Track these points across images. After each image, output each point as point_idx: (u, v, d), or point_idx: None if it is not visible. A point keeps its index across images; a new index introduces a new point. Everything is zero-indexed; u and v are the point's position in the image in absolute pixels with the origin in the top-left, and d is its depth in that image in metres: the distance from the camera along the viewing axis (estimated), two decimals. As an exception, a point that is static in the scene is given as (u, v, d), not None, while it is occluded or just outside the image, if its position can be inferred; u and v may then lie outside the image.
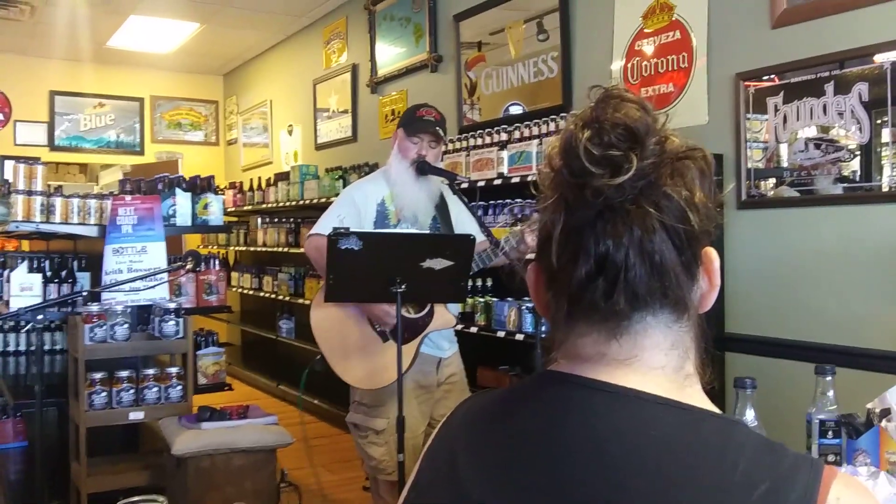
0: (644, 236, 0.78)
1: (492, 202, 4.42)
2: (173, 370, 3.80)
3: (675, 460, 0.73)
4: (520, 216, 3.96)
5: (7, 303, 4.29)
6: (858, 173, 3.11)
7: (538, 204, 0.87)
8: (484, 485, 0.81)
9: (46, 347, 4.90)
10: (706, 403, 0.82)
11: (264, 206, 7.70)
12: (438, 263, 2.69)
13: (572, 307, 0.83)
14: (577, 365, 0.84)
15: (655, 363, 0.81)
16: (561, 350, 0.86)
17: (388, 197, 3.13)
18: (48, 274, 4.33)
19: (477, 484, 0.81)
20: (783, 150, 3.34)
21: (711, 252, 0.84)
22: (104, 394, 3.65)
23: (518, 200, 4.20)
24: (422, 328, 3.03)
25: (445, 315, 3.09)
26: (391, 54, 6.48)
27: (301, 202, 6.91)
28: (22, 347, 5.33)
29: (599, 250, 0.78)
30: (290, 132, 8.42)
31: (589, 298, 0.80)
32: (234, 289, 8.13)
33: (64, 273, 4.38)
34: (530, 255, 3.51)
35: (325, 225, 2.95)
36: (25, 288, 4.17)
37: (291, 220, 7.21)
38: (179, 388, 3.79)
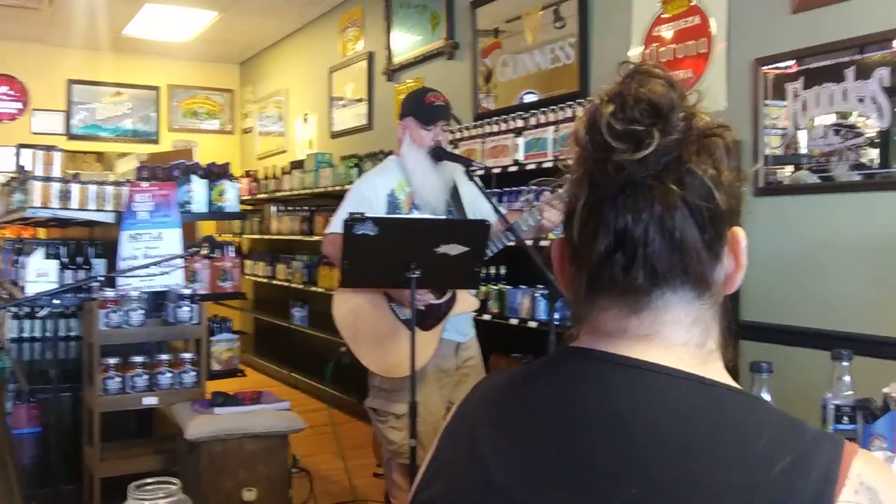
0: (665, 213, 0.77)
1: (507, 189, 4.40)
2: (187, 356, 3.81)
3: (697, 434, 0.73)
4: (534, 201, 3.94)
5: (23, 288, 4.31)
6: (877, 160, 3.07)
7: (563, 179, 0.87)
8: (504, 460, 0.80)
9: (61, 334, 4.92)
10: (728, 380, 0.81)
11: (279, 194, 7.71)
12: (453, 249, 2.68)
13: (592, 281, 0.83)
14: (598, 340, 0.83)
15: (677, 339, 0.81)
16: (583, 326, 0.86)
17: (397, 186, 3.13)
18: (64, 260, 4.34)
19: (497, 459, 0.81)
20: (802, 136, 3.30)
21: (739, 232, 0.83)
22: (118, 379, 3.66)
23: (533, 187, 4.17)
24: (446, 312, 3.04)
25: (469, 298, 3.10)
26: (407, 42, 6.46)
27: (316, 190, 6.92)
28: (37, 333, 5.36)
29: (619, 225, 0.79)
30: (305, 120, 8.43)
31: (608, 273, 0.81)
32: (247, 277, 8.15)
33: (80, 260, 4.40)
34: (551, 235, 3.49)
35: (338, 223, 2.95)
36: (42, 274, 4.19)
37: (306, 208, 7.23)
38: (193, 373, 3.80)
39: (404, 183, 3.14)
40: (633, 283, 0.79)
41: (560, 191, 2.86)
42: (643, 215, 0.77)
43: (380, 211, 3.08)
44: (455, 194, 3.19)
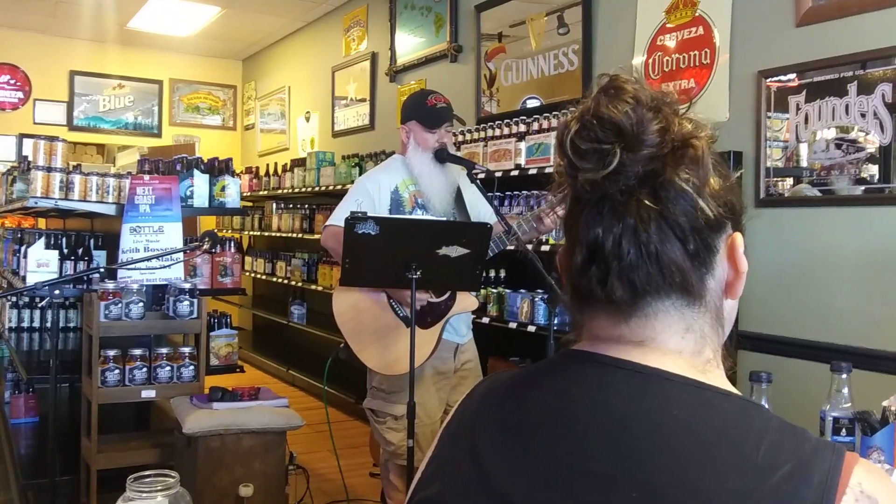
0: (638, 226, 0.78)
1: (508, 193, 4.41)
2: (186, 350, 3.81)
3: (697, 439, 0.73)
4: (536, 205, 3.96)
5: (24, 278, 4.32)
6: (877, 175, 3.09)
7: (554, 190, 0.88)
8: (503, 460, 0.81)
9: (60, 325, 4.93)
10: (729, 387, 0.81)
11: (280, 191, 7.71)
12: (454, 251, 2.70)
13: (575, 292, 0.85)
14: (597, 345, 0.84)
15: (672, 346, 0.82)
16: (582, 331, 0.87)
17: (401, 185, 3.14)
18: (65, 251, 4.34)
19: (496, 459, 0.81)
20: (803, 149, 3.33)
21: (737, 238, 0.84)
22: (117, 371, 3.66)
23: (535, 192, 4.19)
24: (445, 311, 3.05)
25: (468, 298, 3.11)
26: (411, 43, 6.48)
27: (317, 189, 6.92)
28: (36, 324, 5.37)
29: (590, 238, 0.80)
30: (307, 119, 8.43)
31: (586, 285, 0.82)
32: (247, 273, 8.14)
33: (80, 251, 4.40)
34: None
35: (340, 216, 2.96)
36: (42, 264, 4.19)
37: (306, 206, 7.23)
38: (192, 368, 3.80)
39: (408, 181, 3.15)
40: (611, 295, 0.80)
41: (553, 197, 2.88)
42: (614, 229, 0.78)
43: (382, 207, 3.09)
44: (458, 196, 3.21)
